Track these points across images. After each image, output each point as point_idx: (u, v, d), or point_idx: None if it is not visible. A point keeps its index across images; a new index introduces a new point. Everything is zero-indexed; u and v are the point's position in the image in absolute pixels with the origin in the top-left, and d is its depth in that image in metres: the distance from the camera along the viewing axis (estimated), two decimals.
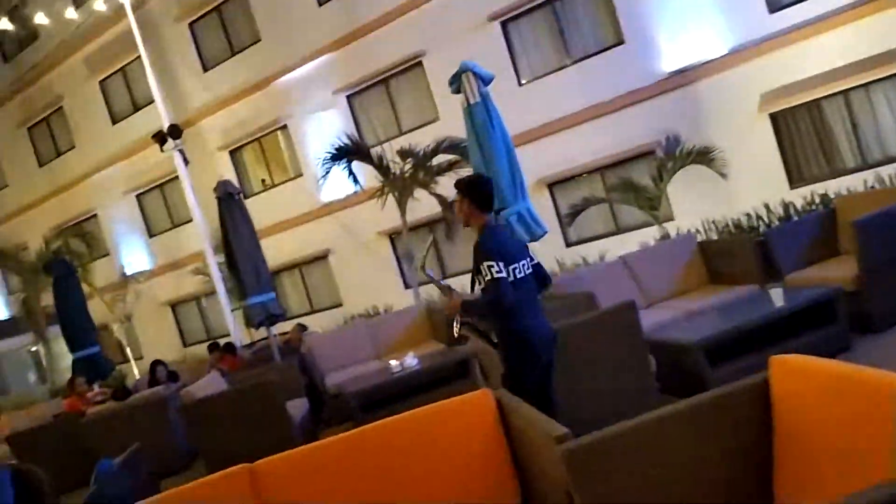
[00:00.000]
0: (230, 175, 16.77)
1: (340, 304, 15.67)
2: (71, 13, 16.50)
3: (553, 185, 12.63)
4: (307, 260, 16.07)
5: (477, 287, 3.39)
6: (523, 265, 3.39)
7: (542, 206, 12.52)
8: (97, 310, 16.97)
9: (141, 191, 18.57)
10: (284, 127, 15.86)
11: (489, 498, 2.48)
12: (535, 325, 3.41)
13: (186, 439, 6.17)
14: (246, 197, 16.60)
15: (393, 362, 5.96)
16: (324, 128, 15.11)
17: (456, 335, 3.67)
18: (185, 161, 11.00)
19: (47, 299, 16.56)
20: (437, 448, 2.59)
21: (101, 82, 18.48)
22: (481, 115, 4.91)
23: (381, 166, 10.40)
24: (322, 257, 15.92)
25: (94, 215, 19.35)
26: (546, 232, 5.12)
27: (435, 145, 10.58)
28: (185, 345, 18.28)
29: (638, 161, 11.42)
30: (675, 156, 8.85)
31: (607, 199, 9.88)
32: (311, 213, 15.60)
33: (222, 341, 9.54)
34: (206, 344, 17.49)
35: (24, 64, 19.66)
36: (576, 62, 12.11)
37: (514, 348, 3.37)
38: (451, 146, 10.65)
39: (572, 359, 3.90)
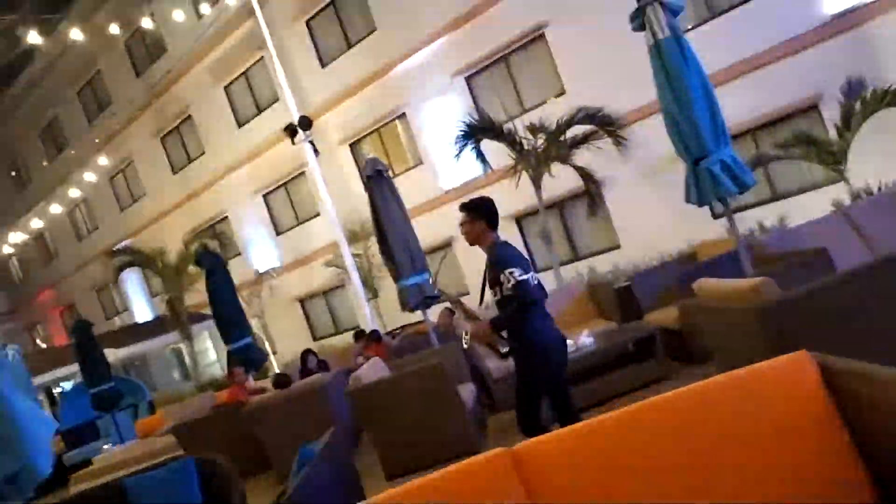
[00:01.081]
0: (350, 169, 16.90)
1: (467, 293, 15.33)
2: (195, 20, 17.14)
3: None
4: (430, 250, 15.83)
5: (491, 297, 3.69)
6: (532, 275, 3.52)
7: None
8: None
9: (267, 190, 19.10)
10: (403, 116, 15.72)
11: (829, 495, 1.88)
12: (549, 329, 3.62)
13: (352, 425, 5.95)
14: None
15: (567, 341, 5.41)
16: (442, 113, 14.82)
17: (465, 347, 3.99)
18: (316, 151, 10.96)
19: (189, 299, 17.43)
20: (739, 427, 2.02)
21: (226, 88, 19.14)
22: (673, 52, 4.27)
23: (514, 142, 9.88)
24: (445, 246, 15.65)
25: (225, 217, 20.14)
26: (755, 183, 4.40)
27: (569, 116, 9.95)
28: (314, 338, 18.63)
29: (797, 118, 10.25)
30: (864, 98, 7.66)
31: (779, 157, 8.74)
32: (433, 201, 15.35)
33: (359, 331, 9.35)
34: (334, 337, 17.85)
35: (154, 77, 20.73)
36: (722, 13, 11.06)
37: (533, 351, 3.56)
38: (588, 116, 9.99)
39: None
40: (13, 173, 28.52)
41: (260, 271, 18.58)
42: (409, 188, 15.59)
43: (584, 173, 9.81)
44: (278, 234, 19.16)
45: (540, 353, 3.55)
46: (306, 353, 8.22)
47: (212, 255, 8.34)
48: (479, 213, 3.71)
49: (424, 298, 6.18)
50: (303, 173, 18.06)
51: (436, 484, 1.99)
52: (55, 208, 24.23)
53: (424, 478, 2.02)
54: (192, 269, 16.99)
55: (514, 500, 1.96)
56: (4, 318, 30.77)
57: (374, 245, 14.95)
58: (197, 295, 18.22)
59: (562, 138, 9.94)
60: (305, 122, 10.60)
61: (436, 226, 15.32)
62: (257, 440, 6.65)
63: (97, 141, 23.19)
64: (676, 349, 5.36)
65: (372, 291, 14.20)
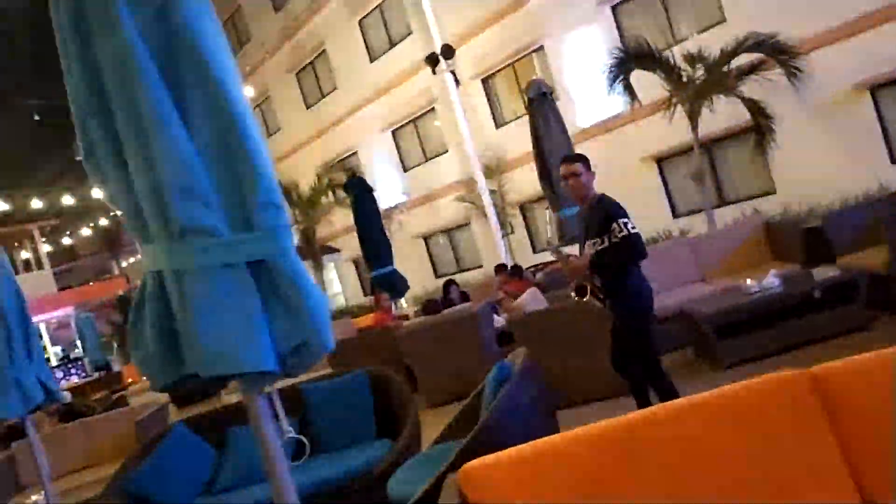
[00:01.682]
0: (482, 105, 16.55)
1: None
2: None
3: (879, 89, 10.31)
4: None
5: (591, 249, 3.81)
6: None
7: (862, 116, 10.36)
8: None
9: (396, 126, 19.18)
10: (540, 49, 15.07)
11: None
12: (647, 286, 3.81)
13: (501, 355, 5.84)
14: (497, 126, 16.41)
15: (748, 281, 4.96)
16: (583, 46, 14.04)
17: (574, 294, 3.95)
18: (457, 82, 10.70)
19: (318, 231, 18.07)
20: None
21: (360, 22, 19.16)
22: None
23: (670, 72, 9.13)
24: None
25: (355, 153, 20.51)
26: None
27: (736, 44, 9.03)
28: (436, 276, 18.83)
29: None
30: None
31: None
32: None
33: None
34: (456, 275, 17.92)
35: (292, 12, 21.09)
36: None
37: (634, 301, 3.74)
38: (757, 44, 9.03)
39: None
40: None
41: (385, 207, 18.84)
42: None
43: (755, 106, 8.90)
44: (406, 170, 19.29)
45: (637, 306, 3.74)
46: (449, 283, 8.19)
47: (360, 180, 8.41)
48: (589, 165, 3.97)
49: None
50: (432, 109, 17.96)
51: (738, 395, 1.74)
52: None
53: (725, 388, 1.77)
54: (324, 200, 17.53)
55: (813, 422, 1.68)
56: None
57: (508, 182, 14.74)
58: (326, 227, 18.88)
59: (725, 68, 9.05)
60: (448, 52, 10.35)
61: None
62: (404, 364, 6.74)
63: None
64: (879, 296, 4.76)
65: (507, 228, 14.02)
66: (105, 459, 6.09)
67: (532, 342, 5.01)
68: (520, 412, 2.81)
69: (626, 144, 13.66)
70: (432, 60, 10.63)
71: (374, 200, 8.37)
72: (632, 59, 9.43)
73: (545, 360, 4.91)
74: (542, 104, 5.81)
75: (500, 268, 8.46)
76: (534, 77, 7.09)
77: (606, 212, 3.73)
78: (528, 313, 4.93)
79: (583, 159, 3.96)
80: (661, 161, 13.48)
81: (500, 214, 13.63)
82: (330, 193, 16.81)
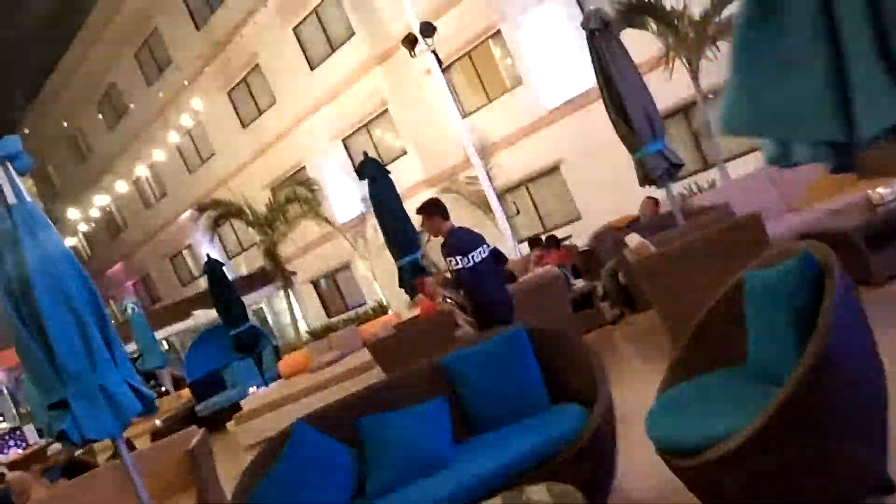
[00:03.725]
0: (442, 96, 16.01)
1: (578, 218, 14.54)
2: None
3: None
4: (536, 175, 15.03)
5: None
6: (482, 250, 4.49)
7: None
8: (343, 247, 17.12)
9: (346, 135, 18.38)
10: (497, 34, 14.75)
11: None
12: (495, 295, 4.61)
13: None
14: (463, 117, 15.90)
15: (880, 190, 4.62)
16: (543, 25, 13.84)
17: (439, 307, 5.17)
18: (439, 62, 10.13)
19: (283, 251, 17.00)
20: None
21: (294, 29, 18.31)
22: None
23: (669, 23, 8.92)
24: (552, 170, 14.81)
25: (303, 167, 19.50)
26: None
27: None
28: None
29: None
30: None
31: None
32: (536, 123, 14.48)
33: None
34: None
35: (217, 28, 19.98)
36: None
37: (481, 313, 4.57)
38: None
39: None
40: (75, 148, 28.26)
41: (344, 220, 17.93)
42: (509, 112, 14.78)
43: None
44: (362, 179, 18.42)
45: (482, 317, 4.57)
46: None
47: (374, 161, 7.66)
48: (432, 212, 4.60)
49: (670, 166, 5.39)
50: (385, 112, 17.30)
51: None
52: (120, 181, 23.90)
53: None
54: (290, 214, 16.50)
55: None
56: None
57: (494, 167, 14.11)
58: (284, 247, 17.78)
59: (718, 18, 8.94)
60: (428, 29, 9.77)
61: (540, 149, 14.51)
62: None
63: (160, 103, 22.67)
64: None
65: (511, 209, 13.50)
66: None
67: (660, 286, 4.48)
68: (856, 326, 2.25)
69: (601, 119, 13.47)
70: (410, 41, 10.01)
71: (391, 182, 7.65)
72: (622, 16, 9.15)
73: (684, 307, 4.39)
74: (605, 36, 5.31)
75: (535, 242, 7.92)
76: (590, 7, 6.58)
77: (442, 251, 4.55)
78: (653, 254, 4.38)
79: (426, 208, 4.66)
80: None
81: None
82: (290, 208, 15.80)
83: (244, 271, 22.06)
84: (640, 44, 10.06)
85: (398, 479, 3.27)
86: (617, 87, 5.35)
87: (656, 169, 5.36)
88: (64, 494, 5.56)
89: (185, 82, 21.33)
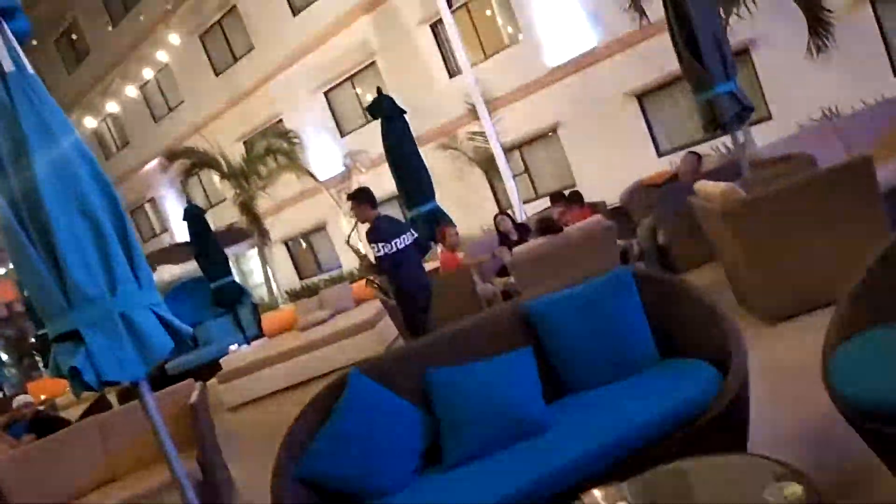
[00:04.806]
0: (432, 52, 15.22)
1: (573, 184, 14.03)
2: None
3: None
4: (533, 137, 14.42)
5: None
6: (404, 238, 5.02)
7: None
8: (320, 206, 16.24)
9: (329, 87, 17.41)
10: None
11: None
12: (413, 279, 5.14)
13: None
14: (451, 76, 15.15)
15: None
16: None
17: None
18: (449, 3, 9.37)
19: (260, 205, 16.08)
20: None
21: None
22: None
23: None
24: (550, 132, 14.23)
25: (280, 120, 18.46)
26: None
27: None
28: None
29: None
30: None
31: None
32: (536, 82, 13.84)
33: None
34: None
35: None
36: None
37: (401, 295, 5.15)
38: None
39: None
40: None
41: (321, 179, 17.01)
42: (506, 69, 14.07)
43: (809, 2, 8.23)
44: (343, 135, 17.57)
45: (411, 302, 5.16)
46: (500, 216, 6.99)
47: (389, 100, 6.93)
48: (362, 199, 5.14)
49: (741, 110, 4.86)
50: (372, 64, 16.40)
51: None
52: (78, 128, 22.37)
53: None
54: (262, 169, 15.59)
55: None
56: None
57: (497, 122, 13.44)
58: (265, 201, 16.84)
59: None
60: None
61: (539, 109, 13.90)
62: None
63: (124, 46, 21.19)
64: None
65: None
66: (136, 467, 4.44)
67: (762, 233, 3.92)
68: None
69: (601, 82, 12.96)
70: None
71: (406, 124, 6.95)
72: None
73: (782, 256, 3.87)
74: None
75: (557, 197, 7.37)
76: None
77: (367, 236, 4.99)
78: (750, 197, 3.84)
79: (357, 196, 5.21)
80: (641, 97, 12.87)
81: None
82: (270, 160, 14.87)
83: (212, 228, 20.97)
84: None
85: (482, 445, 2.70)
86: (689, 17, 4.75)
87: (727, 112, 4.81)
88: (34, 453, 4.83)
89: (142, 19, 19.88)
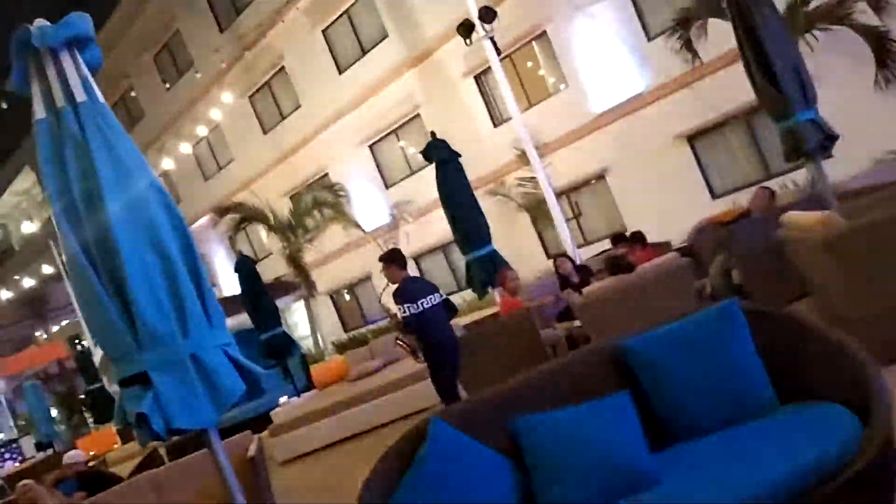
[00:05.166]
0: (476, 102, 15.31)
1: (624, 230, 13.68)
2: None
3: None
4: (580, 183, 14.21)
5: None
6: (430, 298, 5.12)
7: None
8: (367, 257, 16.19)
9: (373, 140, 17.63)
10: (542, 35, 14.07)
11: None
12: (443, 338, 5.22)
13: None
14: (495, 125, 15.16)
15: None
16: (592, 26, 13.17)
17: (395, 346, 6.77)
18: (497, 51, 9.38)
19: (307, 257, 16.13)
20: None
21: (324, 31, 17.67)
22: None
23: None
24: (598, 178, 14.02)
25: (326, 174, 18.69)
26: None
27: None
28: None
29: None
30: None
31: None
32: (582, 128, 13.73)
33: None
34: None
35: (241, 29, 19.35)
36: None
37: (429, 355, 5.26)
38: None
39: None
40: None
41: (367, 230, 17.00)
42: (552, 116, 14.01)
43: (874, 32, 7.95)
44: (388, 186, 17.66)
45: (440, 361, 5.20)
46: (559, 258, 6.75)
47: (443, 143, 6.83)
48: (391, 260, 5.28)
49: (823, 139, 4.57)
50: (416, 117, 16.57)
51: None
52: None
53: None
54: (309, 222, 15.69)
55: None
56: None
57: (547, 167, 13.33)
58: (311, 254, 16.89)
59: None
60: (488, 14, 9.03)
61: (586, 156, 13.74)
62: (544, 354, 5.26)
63: (178, 107, 22.00)
64: None
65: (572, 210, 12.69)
66: None
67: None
68: None
69: (651, 125, 12.76)
70: (466, 28, 9.28)
71: (460, 167, 6.83)
72: (704, 9, 8.41)
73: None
74: None
75: (618, 238, 7.09)
76: None
77: (394, 298, 5.11)
78: (859, 224, 3.52)
79: (387, 257, 5.34)
80: (693, 139, 12.60)
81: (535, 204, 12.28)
82: (317, 213, 14.97)
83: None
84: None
85: (583, 500, 2.39)
86: (762, 42, 4.54)
87: (810, 140, 4.53)
88: None
89: (199, 75, 20.58)
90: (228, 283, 23.18)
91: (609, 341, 2.88)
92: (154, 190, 2.32)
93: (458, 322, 7.22)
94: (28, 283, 22.13)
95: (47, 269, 21.10)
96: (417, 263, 17.13)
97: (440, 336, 5.15)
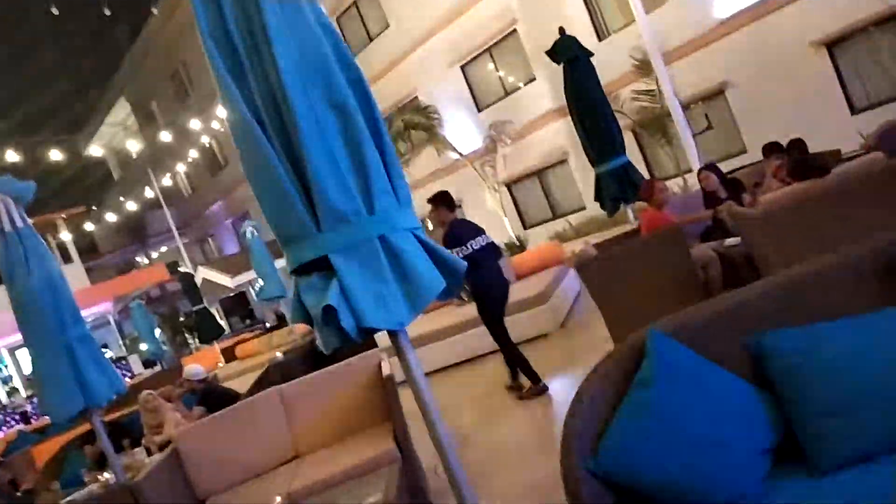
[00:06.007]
0: (580, 14, 14.16)
1: (744, 151, 12.52)
2: None
3: None
4: (700, 97, 12.99)
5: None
6: (479, 240, 5.07)
7: None
8: (458, 182, 15.70)
9: (465, 61, 16.77)
10: None
11: None
12: (489, 279, 5.11)
13: None
14: (600, 38, 14.02)
15: None
16: None
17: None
18: None
19: None
20: None
21: None
22: None
23: None
24: (717, 93, 12.78)
25: (415, 97, 18.05)
26: None
27: None
28: (524, 227, 16.48)
29: None
30: None
31: None
32: (701, 37, 12.44)
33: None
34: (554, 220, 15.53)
35: None
36: None
37: (478, 297, 5.21)
38: None
39: None
40: (178, 83, 27.89)
41: (462, 154, 16.32)
42: (669, 24, 12.75)
43: None
44: (480, 109, 16.87)
45: (487, 300, 5.18)
46: (705, 171, 5.98)
47: (572, 39, 6.07)
48: (439, 203, 5.26)
49: None
50: (512, 33, 15.58)
51: None
52: (221, 112, 23.19)
53: None
54: (401, 146, 15.23)
55: None
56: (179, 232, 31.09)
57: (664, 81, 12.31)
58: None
59: None
60: None
61: (706, 67, 12.50)
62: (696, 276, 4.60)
63: None
64: None
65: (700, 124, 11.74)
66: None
67: None
68: None
69: (781, 32, 11.38)
70: None
71: (592, 69, 6.08)
72: None
73: None
74: None
75: (772, 148, 6.21)
76: None
77: (443, 239, 5.09)
78: None
79: (436, 199, 5.26)
80: (832, 46, 11.17)
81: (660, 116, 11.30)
82: (410, 135, 14.46)
83: None
84: None
85: (873, 442, 1.83)
86: None
87: None
88: (211, 427, 4.43)
89: None
90: None
91: (876, 241, 2.23)
92: (327, 33, 1.80)
93: (505, 261, 6.82)
94: (129, 210, 22.95)
95: (149, 194, 21.73)
96: (511, 190, 16.48)
97: (489, 278, 5.08)
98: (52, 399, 4.01)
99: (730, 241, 5.27)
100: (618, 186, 6.07)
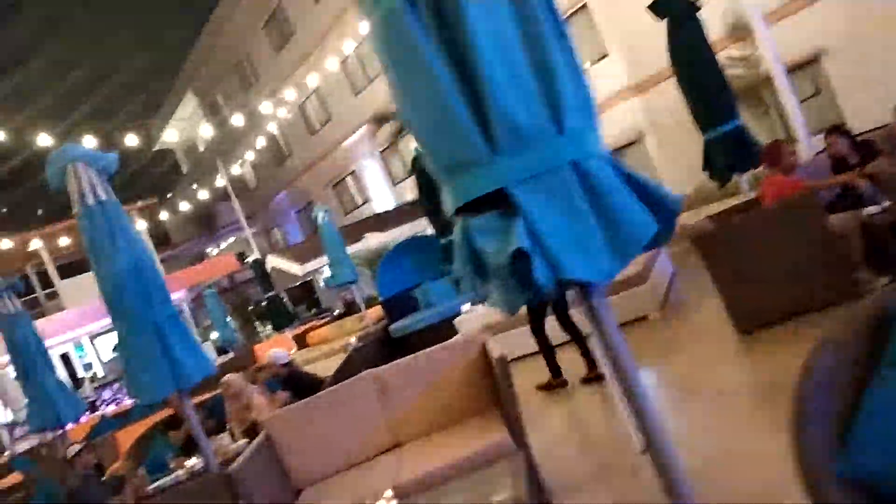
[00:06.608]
0: None
1: (837, 121, 11.56)
2: None
3: None
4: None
5: None
6: None
7: None
8: None
9: None
10: None
11: None
12: None
13: None
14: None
15: None
16: None
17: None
18: None
19: None
20: None
21: None
22: None
23: None
24: (810, 62, 11.84)
25: None
26: None
27: None
28: None
29: None
30: None
31: None
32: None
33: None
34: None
35: None
36: None
37: None
38: None
39: None
40: (242, 75, 28.21)
41: None
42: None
43: None
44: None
45: None
46: (832, 135, 5.35)
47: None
48: None
49: None
50: (583, 7, 14.92)
51: None
52: (283, 107, 23.25)
53: None
54: None
55: None
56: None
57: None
58: None
59: None
60: None
61: (798, 34, 11.58)
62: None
63: (326, 23, 21.59)
64: None
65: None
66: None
67: None
68: None
69: None
70: None
71: (700, 26, 5.52)
72: None
73: None
74: None
75: (834, 129, 5.55)
76: None
77: None
78: None
79: None
80: None
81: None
82: None
83: (409, 199, 20.87)
84: None
85: None
86: None
87: None
88: (303, 412, 4.14)
89: None
90: (381, 199, 23.22)
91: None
92: None
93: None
94: (199, 200, 23.39)
95: (216, 185, 22.04)
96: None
97: None
98: (142, 379, 3.80)
99: (871, 208, 4.66)
100: (729, 154, 5.50)
